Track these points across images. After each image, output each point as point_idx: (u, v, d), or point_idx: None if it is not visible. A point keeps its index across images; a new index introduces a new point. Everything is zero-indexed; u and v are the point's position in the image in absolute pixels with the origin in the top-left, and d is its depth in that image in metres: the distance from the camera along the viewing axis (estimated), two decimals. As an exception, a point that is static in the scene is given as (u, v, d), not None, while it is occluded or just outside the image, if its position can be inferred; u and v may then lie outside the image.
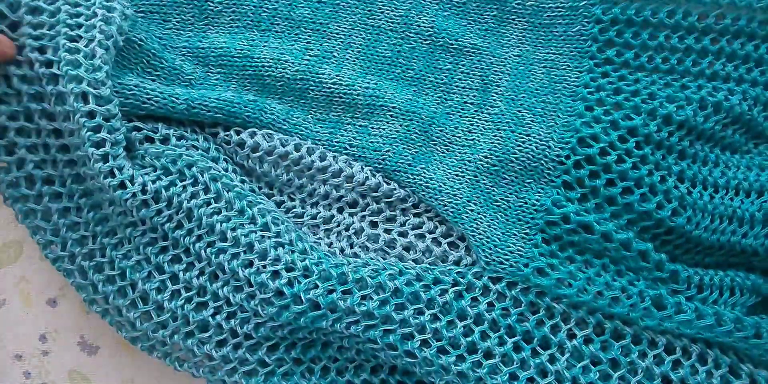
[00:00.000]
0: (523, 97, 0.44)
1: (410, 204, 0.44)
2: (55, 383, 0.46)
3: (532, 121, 0.43)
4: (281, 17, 0.47)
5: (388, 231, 0.44)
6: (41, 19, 0.39)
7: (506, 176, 0.43)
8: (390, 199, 0.44)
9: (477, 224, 0.42)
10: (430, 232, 0.43)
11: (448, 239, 0.43)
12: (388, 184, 0.44)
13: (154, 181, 0.40)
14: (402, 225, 0.44)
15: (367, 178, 0.44)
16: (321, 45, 0.46)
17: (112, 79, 0.41)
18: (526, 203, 0.41)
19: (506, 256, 0.40)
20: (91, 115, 0.38)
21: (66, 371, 0.46)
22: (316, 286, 0.38)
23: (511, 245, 0.41)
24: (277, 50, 0.45)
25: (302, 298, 0.38)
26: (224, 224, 0.40)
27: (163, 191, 0.40)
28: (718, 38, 0.44)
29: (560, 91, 0.44)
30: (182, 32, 0.46)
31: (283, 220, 0.42)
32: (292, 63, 0.45)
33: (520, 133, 0.43)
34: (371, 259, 0.41)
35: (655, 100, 0.42)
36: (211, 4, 0.47)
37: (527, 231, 0.41)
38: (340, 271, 0.39)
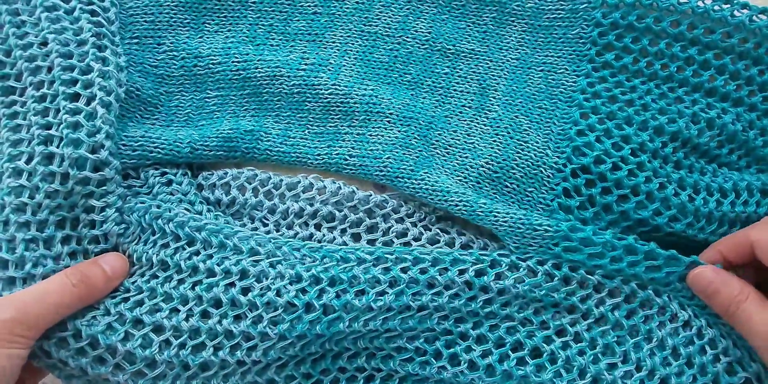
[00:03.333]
0: (520, 102, 0.44)
1: (389, 209, 0.43)
2: (56, 383, 0.47)
3: (529, 127, 0.43)
4: (277, 32, 0.47)
5: (371, 242, 0.43)
6: (41, 77, 0.39)
7: (508, 184, 0.43)
8: (367, 206, 0.43)
9: (495, 216, 0.42)
10: (416, 240, 0.43)
11: (435, 246, 0.42)
12: (362, 190, 0.44)
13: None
14: (385, 233, 0.43)
15: (339, 187, 0.43)
16: (317, 54, 0.46)
17: (118, 133, 0.41)
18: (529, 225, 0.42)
19: (534, 240, 0.41)
20: (84, 181, 0.38)
21: (66, 372, 0.47)
22: (327, 291, 0.38)
23: (538, 228, 0.41)
24: (272, 63, 0.45)
25: (315, 304, 0.37)
26: (208, 261, 0.39)
27: (134, 252, 0.40)
28: (722, 55, 0.43)
29: (557, 97, 0.44)
30: (176, 54, 0.46)
31: (268, 239, 0.41)
32: (289, 77, 0.45)
33: (518, 140, 0.43)
34: (383, 253, 0.40)
35: (648, 112, 0.42)
36: (208, 26, 0.47)
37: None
38: (350, 274, 0.39)
